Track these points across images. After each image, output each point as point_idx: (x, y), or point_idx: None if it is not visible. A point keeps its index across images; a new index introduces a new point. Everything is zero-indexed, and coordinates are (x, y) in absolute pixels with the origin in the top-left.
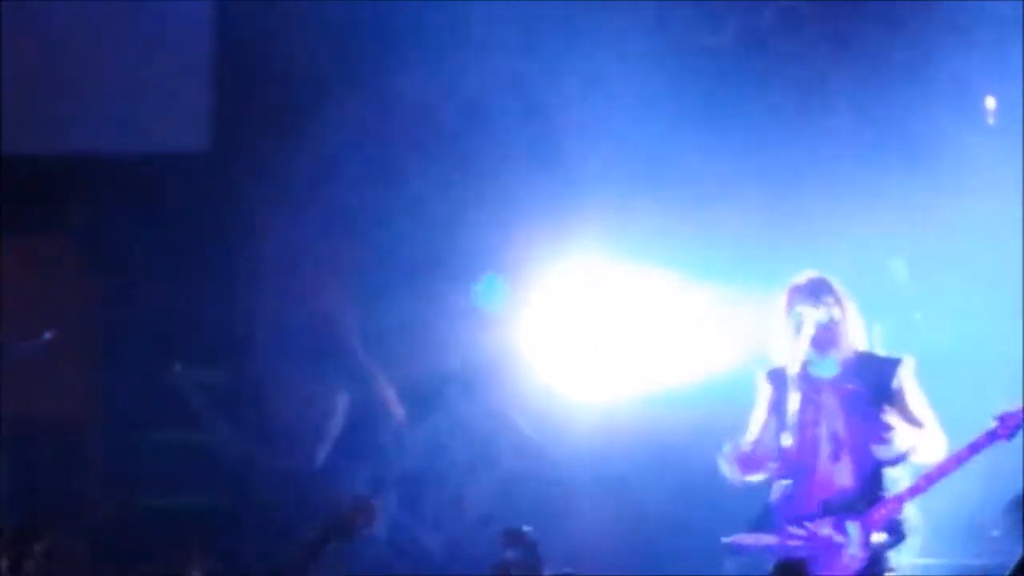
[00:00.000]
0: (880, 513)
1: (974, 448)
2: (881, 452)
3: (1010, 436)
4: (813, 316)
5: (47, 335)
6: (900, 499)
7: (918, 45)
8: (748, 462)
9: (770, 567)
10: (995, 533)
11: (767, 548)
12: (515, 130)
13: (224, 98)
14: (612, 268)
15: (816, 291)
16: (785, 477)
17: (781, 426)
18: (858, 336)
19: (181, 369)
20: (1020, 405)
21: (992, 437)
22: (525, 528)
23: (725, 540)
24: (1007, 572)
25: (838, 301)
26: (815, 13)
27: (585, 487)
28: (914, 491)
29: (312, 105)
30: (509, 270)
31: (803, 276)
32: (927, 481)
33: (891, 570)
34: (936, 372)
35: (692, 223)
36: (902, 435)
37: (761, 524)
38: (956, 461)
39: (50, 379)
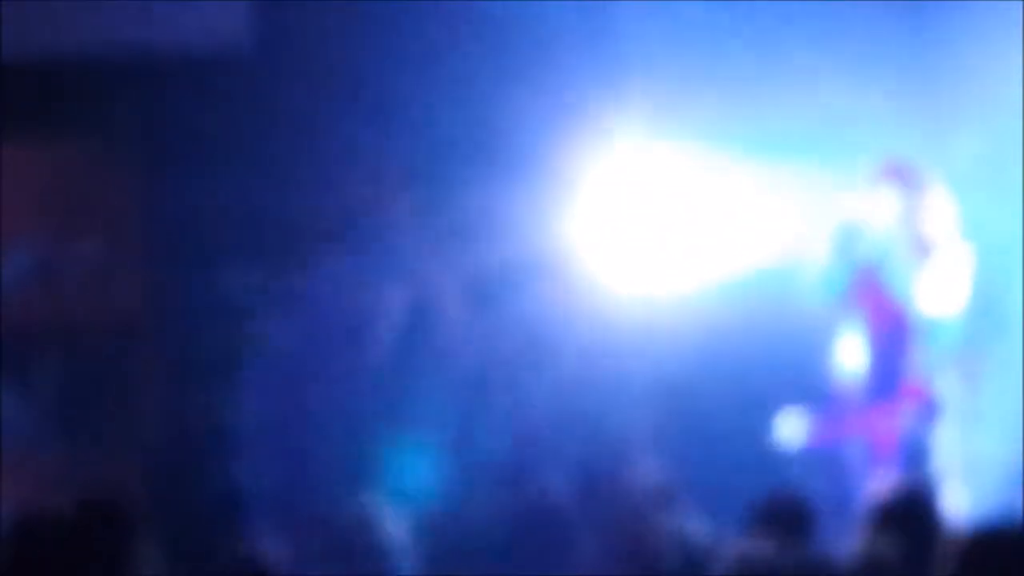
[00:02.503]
0: (906, 399)
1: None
2: None
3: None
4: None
5: (88, 243)
6: (930, 382)
7: None
8: None
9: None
10: None
11: (827, 441)
12: (563, 12)
13: None
14: (664, 153)
15: (890, 175)
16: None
17: None
18: (929, 223)
19: (236, 270)
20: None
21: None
22: None
23: (787, 436)
24: None
25: (913, 185)
26: None
27: (642, 381)
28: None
29: None
30: (562, 161)
31: (884, 159)
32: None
33: (937, 455)
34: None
35: (748, 106)
36: None
37: (825, 415)
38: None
39: (101, 286)
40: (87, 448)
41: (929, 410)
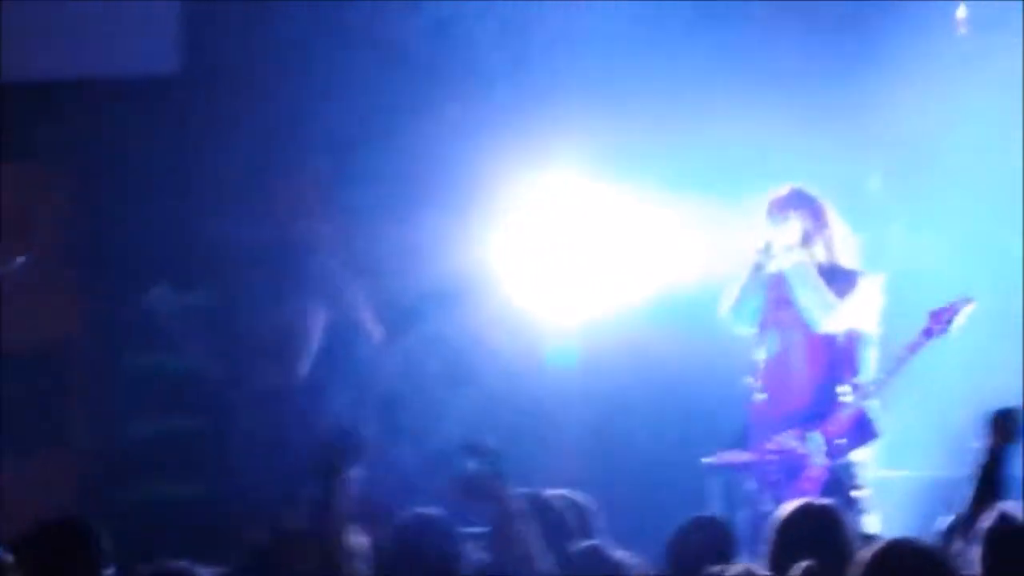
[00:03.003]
0: (837, 419)
1: (912, 348)
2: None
3: (944, 331)
4: (785, 226)
5: (19, 260)
6: (852, 404)
7: None
8: None
9: (752, 485)
10: (975, 444)
11: (745, 466)
12: (490, 47)
13: (193, 17)
14: (589, 184)
15: (790, 203)
16: (762, 389)
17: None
18: (833, 249)
19: (161, 291)
20: (951, 302)
21: (928, 334)
22: (486, 439)
23: (705, 460)
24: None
25: (813, 213)
26: None
27: (565, 406)
28: (863, 396)
29: (283, 22)
30: (486, 187)
31: (783, 188)
32: (875, 386)
33: (858, 478)
34: (914, 286)
35: (669, 137)
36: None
37: (740, 440)
38: (898, 363)
39: (29, 307)
40: (17, 465)
41: (855, 433)
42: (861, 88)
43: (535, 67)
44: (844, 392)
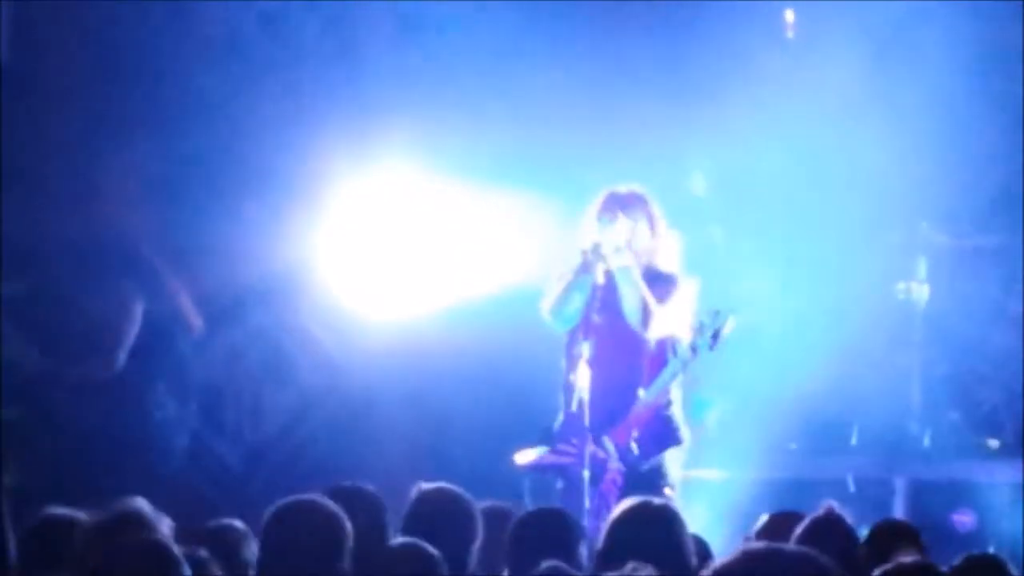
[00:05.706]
0: (628, 425)
1: (683, 362)
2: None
3: (711, 346)
4: (614, 227)
5: None
6: (638, 410)
7: None
8: None
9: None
10: (792, 447)
11: (549, 466)
12: (316, 41)
13: (16, 8)
14: (414, 180)
15: (625, 203)
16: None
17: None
18: (657, 252)
19: None
20: (712, 315)
21: (694, 349)
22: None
23: (516, 459)
24: None
25: (647, 215)
26: None
27: (384, 401)
28: (645, 403)
29: (108, 15)
30: (310, 182)
31: (621, 187)
32: (654, 393)
33: (664, 479)
34: (736, 286)
35: (494, 134)
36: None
37: (550, 438)
38: (672, 375)
39: None
40: None
41: (656, 438)
42: (689, 90)
43: (362, 62)
44: (657, 394)
